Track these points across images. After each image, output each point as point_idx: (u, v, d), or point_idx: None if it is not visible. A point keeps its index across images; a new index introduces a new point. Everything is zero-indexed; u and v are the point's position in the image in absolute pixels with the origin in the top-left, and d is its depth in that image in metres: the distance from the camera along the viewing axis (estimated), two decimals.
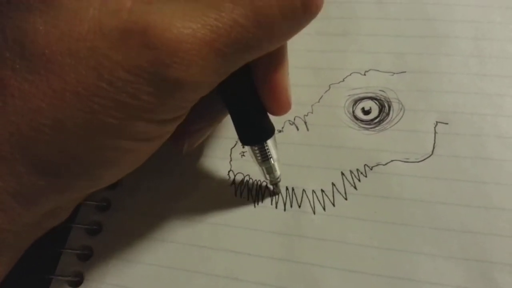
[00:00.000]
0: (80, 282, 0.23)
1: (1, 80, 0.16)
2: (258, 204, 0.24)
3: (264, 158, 0.22)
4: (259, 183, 0.25)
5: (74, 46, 0.15)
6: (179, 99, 0.17)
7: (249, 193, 0.24)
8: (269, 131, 0.22)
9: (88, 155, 0.17)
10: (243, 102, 0.21)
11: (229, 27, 0.16)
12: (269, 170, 0.23)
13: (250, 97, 0.20)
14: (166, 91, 0.16)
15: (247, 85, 0.20)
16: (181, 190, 0.25)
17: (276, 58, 0.20)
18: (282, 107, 0.21)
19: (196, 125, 0.23)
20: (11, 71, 0.16)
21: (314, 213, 0.23)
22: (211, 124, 0.24)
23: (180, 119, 0.19)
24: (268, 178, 0.23)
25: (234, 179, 0.25)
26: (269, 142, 0.22)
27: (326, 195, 0.24)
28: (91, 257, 0.24)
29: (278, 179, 0.23)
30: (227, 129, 0.27)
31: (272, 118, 0.27)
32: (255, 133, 0.21)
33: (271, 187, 0.24)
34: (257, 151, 0.22)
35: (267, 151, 0.22)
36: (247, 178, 0.25)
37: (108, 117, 0.16)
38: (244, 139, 0.22)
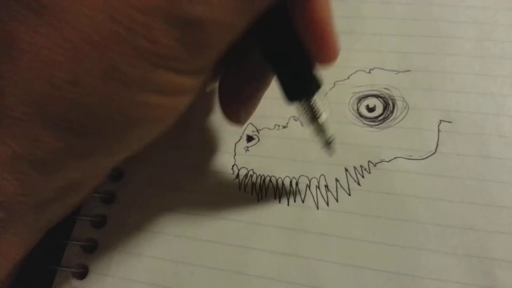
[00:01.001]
0: (85, 274, 0.23)
1: (10, 33, 0.14)
2: (261, 198, 0.24)
3: (314, 116, 0.20)
4: (263, 177, 0.25)
5: None
6: (201, 42, 0.16)
7: (253, 187, 0.25)
8: (317, 83, 0.20)
9: (110, 112, 0.16)
10: (285, 54, 0.19)
11: None
12: (320, 129, 0.21)
13: (293, 47, 0.19)
14: (186, 32, 0.15)
15: (288, 34, 0.18)
16: (186, 183, 0.25)
17: None
18: (328, 49, 0.19)
19: (246, 91, 0.22)
20: (21, 24, 0.14)
21: (318, 208, 0.23)
22: (261, 87, 0.22)
23: (205, 71, 0.17)
24: (321, 139, 0.21)
25: (238, 173, 0.25)
26: (318, 98, 0.20)
27: (330, 191, 0.24)
28: (96, 250, 0.24)
29: (330, 139, 0.21)
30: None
31: (275, 113, 0.27)
32: (301, 87, 0.19)
33: (324, 148, 0.22)
34: (306, 107, 0.20)
35: (314, 107, 0.20)
36: (251, 172, 0.25)
37: (128, 66, 0.15)
38: (290, 94, 0.20)
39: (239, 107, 0.22)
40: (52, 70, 0.15)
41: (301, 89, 0.19)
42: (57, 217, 0.18)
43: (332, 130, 0.21)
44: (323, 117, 0.20)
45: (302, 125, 0.26)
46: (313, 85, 0.20)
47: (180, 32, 0.15)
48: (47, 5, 0.14)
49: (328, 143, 0.21)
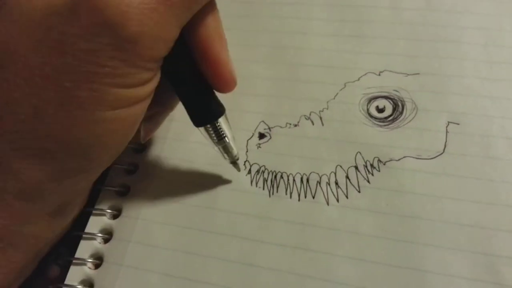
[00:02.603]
0: (99, 264, 0.24)
1: None
2: (273, 194, 0.25)
3: (218, 138, 0.22)
4: (274, 173, 0.25)
5: (32, 32, 0.16)
6: (140, 56, 0.17)
7: (264, 183, 0.25)
8: (219, 110, 0.22)
9: (72, 133, 0.17)
10: (188, 82, 0.21)
11: None
12: (226, 150, 0.23)
13: (195, 77, 0.21)
14: (126, 50, 0.16)
15: (190, 65, 0.21)
16: (198, 178, 0.26)
17: (207, 24, 0.20)
18: (226, 82, 0.21)
19: (149, 111, 0.23)
20: None
21: (328, 204, 0.24)
22: (164, 110, 0.24)
23: (151, 82, 0.19)
24: (227, 157, 0.23)
25: (250, 169, 0.26)
26: (221, 121, 0.22)
27: (340, 187, 0.24)
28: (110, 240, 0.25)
29: (236, 157, 0.24)
30: (244, 121, 0.27)
31: (287, 112, 0.28)
32: (204, 114, 0.22)
33: (231, 166, 0.24)
34: (211, 131, 0.22)
35: (220, 130, 0.22)
36: (262, 168, 0.26)
37: (80, 91, 0.17)
38: (195, 120, 0.22)
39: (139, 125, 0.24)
40: (14, 106, 0.16)
41: (205, 115, 0.22)
42: (51, 240, 0.20)
43: (236, 150, 0.23)
44: (227, 139, 0.23)
45: (313, 124, 0.27)
46: (216, 111, 0.22)
47: (121, 51, 0.16)
48: (1, 53, 0.16)
49: (234, 162, 0.24)
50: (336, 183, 0.25)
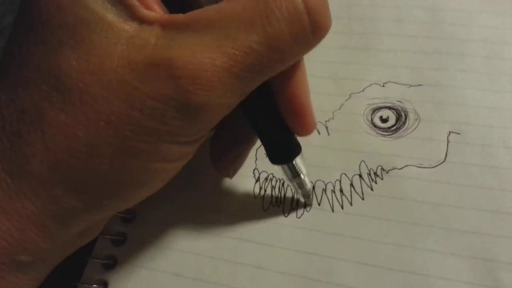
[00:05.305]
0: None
1: (40, 111, 0.17)
2: (281, 201, 0.26)
3: (294, 175, 0.23)
4: (282, 181, 0.27)
5: (106, 79, 0.17)
6: (201, 121, 0.18)
7: (272, 190, 0.27)
8: (296, 149, 0.23)
9: (119, 177, 0.18)
10: (268, 125, 0.22)
11: (244, 53, 0.17)
12: (300, 185, 0.24)
13: (274, 119, 0.22)
14: (190, 115, 0.17)
15: (271, 108, 0.21)
16: (208, 183, 0.27)
17: (294, 79, 0.21)
18: (308, 129, 0.22)
19: (235, 152, 0.25)
20: (48, 103, 0.17)
21: (333, 211, 0.25)
22: (248, 147, 0.25)
23: (202, 140, 0.20)
24: (300, 192, 0.24)
25: (259, 176, 0.27)
26: (298, 159, 0.23)
27: (345, 195, 0.25)
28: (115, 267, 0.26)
29: (309, 192, 0.25)
30: None
31: None
32: (283, 153, 0.23)
33: (303, 200, 0.25)
34: (287, 169, 0.23)
35: (296, 168, 0.23)
36: (270, 176, 0.27)
37: (139, 142, 0.17)
38: (273, 159, 0.23)
39: (228, 164, 0.25)
40: (72, 142, 0.17)
41: (283, 155, 0.23)
42: (68, 254, 0.21)
43: (310, 185, 0.24)
44: (302, 176, 0.23)
45: (319, 133, 0.28)
46: (294, 151, 0.23)
47: (185, 114, 0.17)
48: (71, 89, 0.17)
49: (307, 196, 0.25)
50: (341, 191, 0.26)
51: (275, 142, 0.22)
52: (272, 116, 0.21)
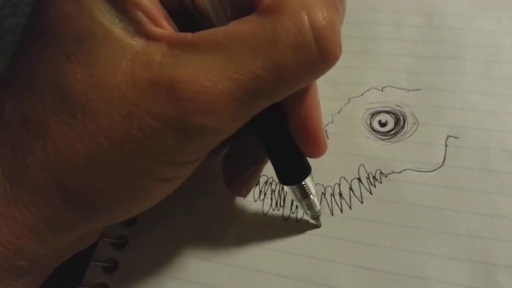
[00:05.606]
0: None
1: (43, 121, 0.17)
2: (280, 204, 0.26)
3: (303, 196, 0.23)
4: (281, 185, 0.27)
5: (108, 95, 0.17)
6: (200, 143, 0.18)
7: (272, 193, 0.27)
8: (306, 170, 0.23)
9: (115, 192, 0.18)
10: (279, 146, 0.22)
11: (248, 78, 0.17)
12: (309, 206, 0.24)
13: (286, 141, 0.22)
14: (189, 136, 0.17)
15: (282, 130, 0.21)
16: (206, 188, 0.27)
17: (306, 102, 0.21)
18: (319, 151, 0.22)
19: (248, 172, 0.25)
20: (51, 113, 0.17)
21: (332, 214, 0.25)
22: (260, 167, 0.25)
23: (199, 161, 0.20)
24: (309, 213, 0.24)
25: (258, 180, 0.27)
26: (307, 180, 0.23)
27: (344, 199, 0.26)
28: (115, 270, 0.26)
29: (319, 213, 0.25)
30: None
31: None
32: (293, 174, 0.23)
33: (312, 221, 0.25)
34: (296, 190, 0.23)
35: (305, 189, 0.23)
36: (270, 180, 0.27)
37: (136, 159, 0.18)
38: (283, 180, 0.23)
39: (242, 184, 0.25)
40: (71, 154, 0.17)
41: (293, 176, 0.23)
42: (64, 259, 0.21)
43: (319, 206, 0.24)
44: (311, 197, 0.23)
45: None
46: (304, 172, 0.22)
47: (184, 136, 0.18)
48: (74, 101, 0.17)
49: (316, 217, 0.25)
50: (340, 194, 0.26)
51: (285, 163, 0.22)
52: (283, 137, 0.21)
